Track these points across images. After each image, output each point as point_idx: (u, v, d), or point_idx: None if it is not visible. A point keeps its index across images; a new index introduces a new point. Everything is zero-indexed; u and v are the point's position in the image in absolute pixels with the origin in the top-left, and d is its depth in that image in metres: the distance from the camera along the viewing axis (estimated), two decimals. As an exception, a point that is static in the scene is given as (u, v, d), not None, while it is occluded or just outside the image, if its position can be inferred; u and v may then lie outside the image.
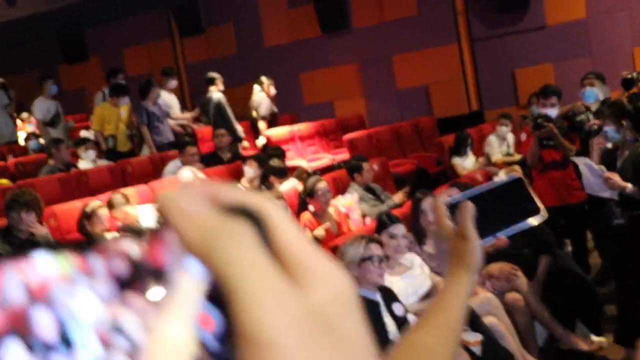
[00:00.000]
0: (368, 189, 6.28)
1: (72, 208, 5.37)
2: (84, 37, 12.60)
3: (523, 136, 6.10)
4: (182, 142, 7.59)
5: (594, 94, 6.37)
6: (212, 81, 8.61)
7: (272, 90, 9.38)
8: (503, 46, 10.22)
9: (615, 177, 4.20)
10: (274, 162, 6.39)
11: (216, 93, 8.56)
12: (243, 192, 0.33)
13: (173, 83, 8.68)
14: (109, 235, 4.91)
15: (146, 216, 5.35)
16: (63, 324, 0.29)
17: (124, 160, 7.69)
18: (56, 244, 0.33)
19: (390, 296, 3.34)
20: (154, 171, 7.37)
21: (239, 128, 8.59)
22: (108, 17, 11.51)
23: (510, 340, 3.72)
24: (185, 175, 5.94)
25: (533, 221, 1.10)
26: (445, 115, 10.43)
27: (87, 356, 0.29)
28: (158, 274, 0.31)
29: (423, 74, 10.70)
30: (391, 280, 3.62)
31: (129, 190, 5.78)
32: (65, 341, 0.29)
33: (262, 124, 9.26)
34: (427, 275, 3.97)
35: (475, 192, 1.10)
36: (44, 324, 0.29)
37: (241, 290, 0.29)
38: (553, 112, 6.04)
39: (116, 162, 7.80)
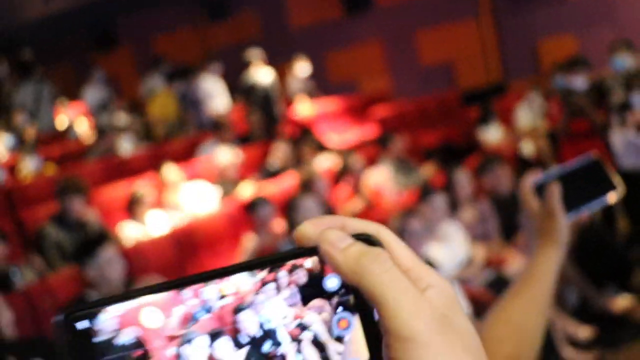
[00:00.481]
0: (399, 163, 6.46)
1: (116, 192, 5.62)
2: (115, 27, 12.84)
3: (549, 108, 6.22)
4: (217, 123, 7.85)
5: (623, 62, 6.44)
6: (248, 63, 8.75)
7: (305, 71, 9.57)
8: (526, 17, 10.25)
9: None
10: (309, 138, 6.58)
11: (252, 75, 8.69)
12: (362, 221, 0.44)
13: (216, 67, 8.74)
14: (152, 215, 5.17)
15: (194, 193, 5.61)
16: (262, 323, 0.42)
17: (159, 144, 7.96)
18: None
19: (431, 266, 3.54)
20: (188, 153, 7.58)
21: (275, 109, 8.76)
22: (138, 6, 11.75)
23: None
24: (222, 156, 6.14)
25: (611, 197, 1.22)
26: (469, 88, 10.52)
27: (283, 346, 0.41)
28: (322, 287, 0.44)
29: (446, 49, 10.79)
30: (433, 248, 3.83)
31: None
32: (265, 335, 0.42)
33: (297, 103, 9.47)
34: (466, 244, 4.16)
35: (558, 172, 1.21)
36: (249, 323, 0.42)
37: (391, 299, 0.39)
38: (581, 83, 6.19)
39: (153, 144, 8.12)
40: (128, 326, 0.41)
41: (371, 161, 6.42)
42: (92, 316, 0.41)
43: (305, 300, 0.42)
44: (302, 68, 9.55)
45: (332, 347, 0.42)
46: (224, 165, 6.10)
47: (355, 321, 0.41)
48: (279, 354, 0.42)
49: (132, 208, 5.16)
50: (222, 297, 0.42)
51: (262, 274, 0.42)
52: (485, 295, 3.93)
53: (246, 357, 0.42)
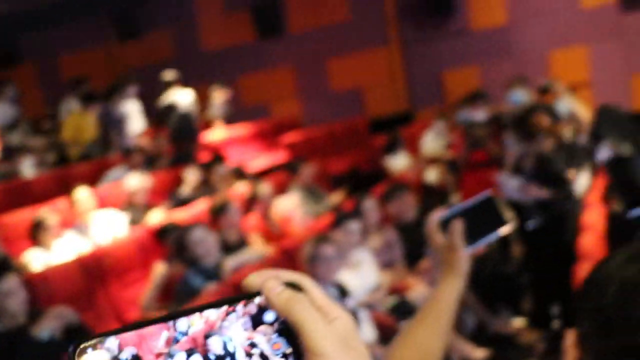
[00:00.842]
0: (308, 190, 6.58)
1: (20, 217, 5.48)
2: (20, 44, 12.47)
3: (452, 138, 6.54)
4: (128, 148, 7.78)
5: (519, 98, 6.85)
6: (166, 83, 8.75)
7: (223, 96, 9.66)
8: (432, 49, 10.71)
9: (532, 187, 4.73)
10: (220, 164, 6.63)
11: (170, 95, 8.66)
12: (290, 272, 0.60)
13: (134, 89, 8.52)
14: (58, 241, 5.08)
15: (103, 221, 5.55)
16: (225, 342, 0.60)
17: (63, 167, 7.81)
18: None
19: (342, 292, 3.67)
20: (94, 178, 7.46)
21: (194, 130, 8.81)
22: (44, 22, 11.47)
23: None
24: (132, 181, 6.11)
25: (503, 230, 1.37)
26: (377, 115, 10.85)
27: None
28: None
29: (356, 76, 11.10)
30: (346, 275, 3.97)
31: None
32: (227, 353, 0.59)
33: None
34: (375, 270, 4.33)
35: (459, 209, 1.35)
36: (215, 345, 0.60)
37: (308, 328, 0.56)
38: (481, 115, 6.57)
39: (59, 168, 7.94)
40: (127, 347, 0.58)
41: (281, 187, 6.52)
42: (97, 345, 0.57)
43: (255, 326, 0.60)
44: (220, 94, 9.63)
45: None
46: (132, 190, 6.06)
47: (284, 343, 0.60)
48: None
49: (36, 234, 5.05)
50: (190, 326, 0.60)
51: (224, 307, 0.60)
52: (390, 320, 4.10)
53: None
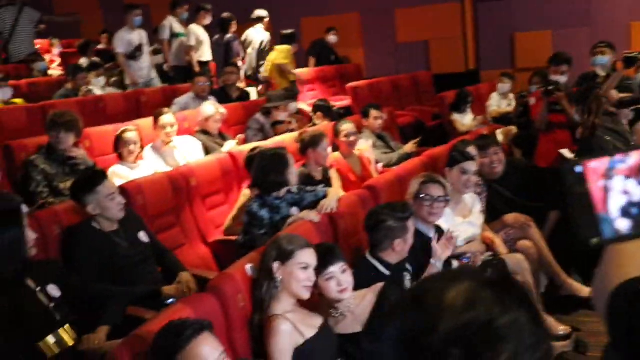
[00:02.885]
0: (379, 137, 6.54)
1: (104, 132, 5.54)
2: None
3: (532, 100, 6.40)
4: (192, 74, 7.85)
5: (606, 62, 6.67)
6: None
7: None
8: (505, 8, 10.47)
9: None
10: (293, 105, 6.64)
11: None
12: None
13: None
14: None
15: (180, 145, 5.59)
16: None
17: (138, 90, 7.87)
18: None
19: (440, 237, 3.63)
20: (165, 102, 7.50)
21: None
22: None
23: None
24: (208, 109, 6.12)
25: None
26: (441, 72, 10.70)
27: None
28: None
29: (424, 29, 10.91)
30: (454, 221, 3.93)
31: (143, 121, 5.93)
32: None
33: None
34: (480, 220, 4.28)
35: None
36: None
37: None
38: (563, 78, 6.42)
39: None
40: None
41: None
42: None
43: None
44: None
45: None
46: (208, 117, 6.07)
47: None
48: None
49: (120, 150, 5.11)
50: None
51: None
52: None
53: None
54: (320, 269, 2.88)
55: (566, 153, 5.26)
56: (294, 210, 3.83)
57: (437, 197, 3.65)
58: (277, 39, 9.40)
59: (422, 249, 3.43)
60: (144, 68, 8.47)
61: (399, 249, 3.28)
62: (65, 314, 3.00)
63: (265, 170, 3.84)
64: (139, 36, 8.39)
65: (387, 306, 2.83)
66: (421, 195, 3.66)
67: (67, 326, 2.96)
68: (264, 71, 9.06)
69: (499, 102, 8.55)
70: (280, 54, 8.94)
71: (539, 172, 5.24)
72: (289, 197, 3.89)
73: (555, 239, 4.85)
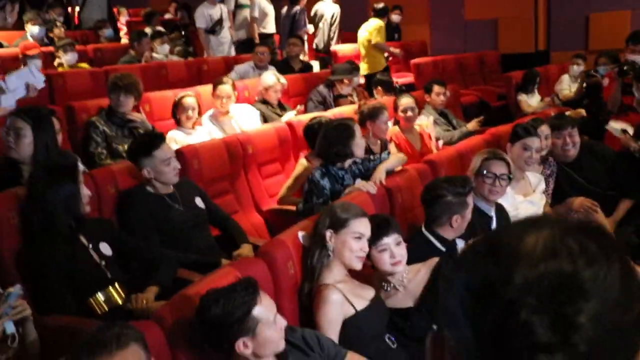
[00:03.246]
0: (440, 113, 6.39)
1: (164, 97, 5.55)
2: None
3: (605, 81, 6.12)
4: (252, 43, 7.80)
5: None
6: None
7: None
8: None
9: None
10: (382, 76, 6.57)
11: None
12: None
13: None
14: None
15: (238, 113, 5.56)
16: None
17: (200, 58, 7.88)
18: None
19: (501, 216, 3.50)
20: (227, 71, 7.49)
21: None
22: None
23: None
24: (268, 78, 6.06)
25: None
26: (510, 52, 10.37)
27: None
28: None
29: (494, 7, 10.58)
30: (514, 199, 3.78)
31: (203, 88, 5.92)
32: None
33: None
34: (543, 200, 4.11)
35: None
36: None
37: None
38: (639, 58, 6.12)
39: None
40: None
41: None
42: None
43: None
44: None
45: None
46: (268, 87, 6.01)
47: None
48: None
49: (178, 115, 5.10)
50: None
51: None
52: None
53: None
54: (374, 239, 2.79)
55: (614, 125, 4.95)
56: (358, 182, 3.74)
57: (499, 175, 3.50)
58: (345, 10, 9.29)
59: (480, 228, 3.29)
60: (224, 43, 8.49)
61: (457, 225, 3.16)
62: (116, 272, 3.01)
63: (329, 140, 3.76)
64: (219, 10, 8.42)
65: (456, 257, 2.76)
66: (483, 172, 3.52)
67: (117, 284, 2.97)
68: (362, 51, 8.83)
69: (570, 85, 8.22)
70: (375, 32, 8.68)
71: (618, 158, 4.93)
72: (354, 168, 3.81)
73: (623, 227, 4.62)
